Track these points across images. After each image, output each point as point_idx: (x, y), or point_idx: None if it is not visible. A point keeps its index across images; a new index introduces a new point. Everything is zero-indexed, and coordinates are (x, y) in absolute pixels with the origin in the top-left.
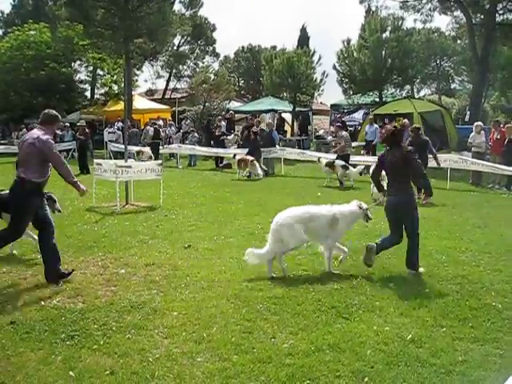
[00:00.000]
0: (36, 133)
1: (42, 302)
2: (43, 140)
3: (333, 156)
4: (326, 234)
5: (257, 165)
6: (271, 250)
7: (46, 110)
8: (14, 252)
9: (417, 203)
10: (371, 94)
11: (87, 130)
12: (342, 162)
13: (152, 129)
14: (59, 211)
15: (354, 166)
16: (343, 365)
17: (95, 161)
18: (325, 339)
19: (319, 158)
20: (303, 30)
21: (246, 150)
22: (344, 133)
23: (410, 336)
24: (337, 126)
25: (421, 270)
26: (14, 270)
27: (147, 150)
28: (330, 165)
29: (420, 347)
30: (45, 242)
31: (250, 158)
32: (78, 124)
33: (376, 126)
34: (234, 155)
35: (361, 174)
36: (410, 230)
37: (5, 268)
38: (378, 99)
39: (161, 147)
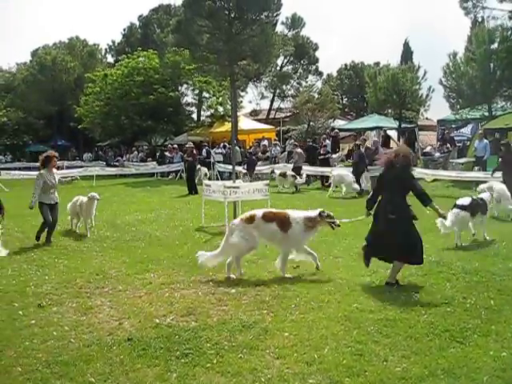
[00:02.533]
0: None
1: (157, 320)
2: None
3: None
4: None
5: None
6: None
7: None
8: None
9: None
10: (480, 108)
11: (195, 152)
12: (292, 173)
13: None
14: None
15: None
16: None
17: (204, 182)
18: (439, 364)
19: (273, 170)
20: (406, 45)
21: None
22: (298, 150)
23: None
24: (294, 144)
25: None
26: (129, 288)
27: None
28: (283, 175)
29: None
30: None
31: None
32: (186, 146)
33: (486, 141)
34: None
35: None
36: None
37: (121, 286)
38: (487, 113)
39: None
